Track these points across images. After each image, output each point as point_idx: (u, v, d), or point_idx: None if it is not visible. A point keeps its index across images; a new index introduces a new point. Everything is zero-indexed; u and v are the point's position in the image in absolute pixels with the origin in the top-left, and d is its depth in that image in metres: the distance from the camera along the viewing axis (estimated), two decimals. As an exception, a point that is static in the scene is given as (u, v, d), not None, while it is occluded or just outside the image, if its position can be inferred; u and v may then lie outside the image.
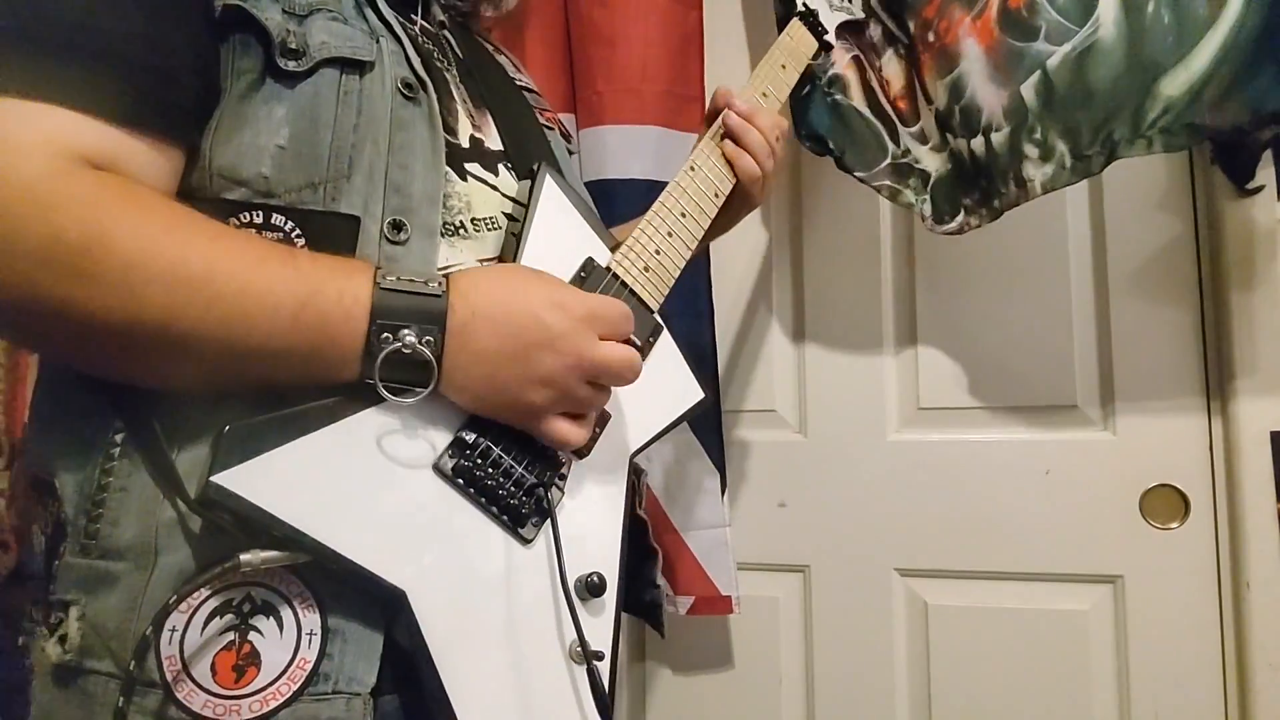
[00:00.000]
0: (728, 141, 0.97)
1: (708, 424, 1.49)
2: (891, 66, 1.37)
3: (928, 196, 1.35)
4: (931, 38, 1.29)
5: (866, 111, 1.37)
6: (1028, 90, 1.21)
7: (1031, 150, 1.21)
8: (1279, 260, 1.33)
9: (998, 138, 1.23)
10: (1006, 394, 1.50)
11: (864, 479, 1.54)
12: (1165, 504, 1.40)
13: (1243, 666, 1.33)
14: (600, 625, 0.73)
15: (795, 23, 1.14)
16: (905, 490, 1.52)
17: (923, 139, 1.36)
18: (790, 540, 1.57)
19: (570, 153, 1.04)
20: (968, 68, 1.25)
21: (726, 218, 1.01)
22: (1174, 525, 1.39)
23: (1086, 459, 1.44)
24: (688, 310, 1.46)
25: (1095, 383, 1.46)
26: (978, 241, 1.32)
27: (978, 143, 1.26)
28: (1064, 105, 1.19)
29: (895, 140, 1.37)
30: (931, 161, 1.35)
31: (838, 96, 1.38)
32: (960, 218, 1.32)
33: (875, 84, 1.38)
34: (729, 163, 0.97)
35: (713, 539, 1.47)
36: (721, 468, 1.49)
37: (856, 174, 1.37)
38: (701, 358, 1.48)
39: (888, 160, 1.36)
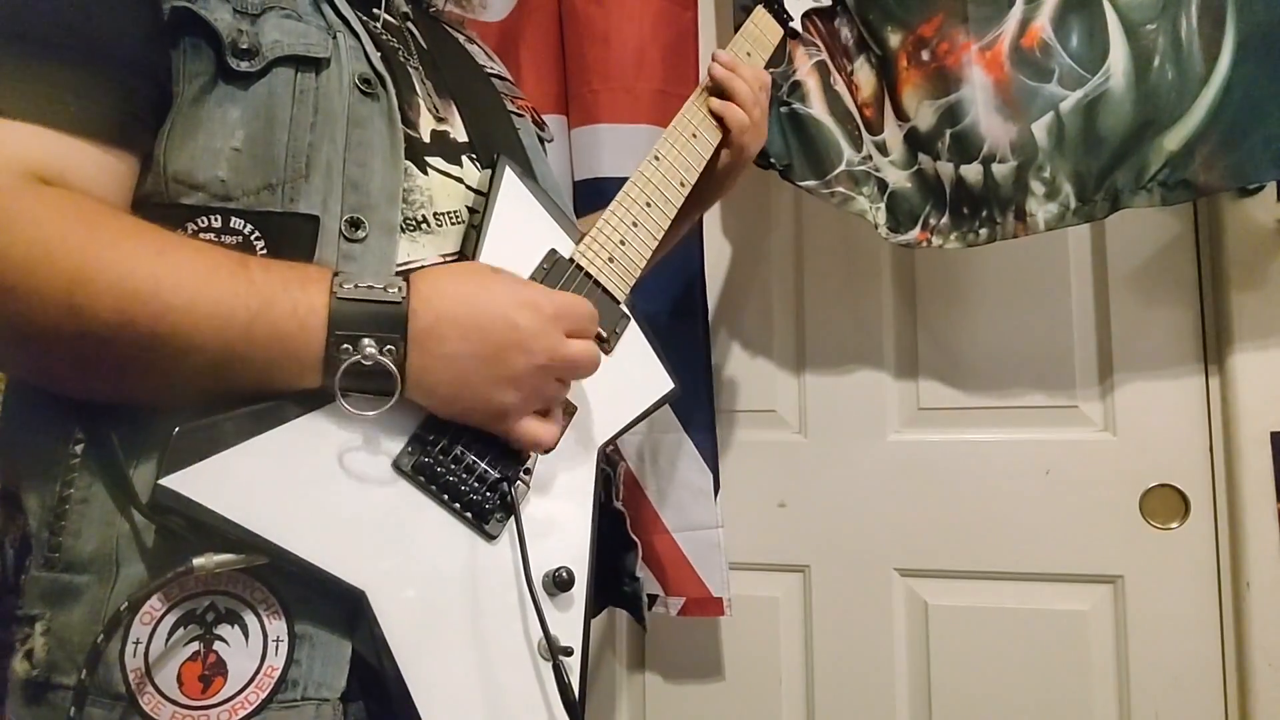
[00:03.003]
0: (713, 98, 0.98)
1: (701, 424, 1.49)
2: (863, 73, 1.37)
3: (882, 205, 1.36)
4: (926, 56, 1.30)
5: (826, 118, 1.39)
6: (1039, 129, 1.23)
7: (1038, 187, 1.24)
8: (1279, 260, 1.32)
9: (1001, 169, 1.25)
10: (1006, 394, 1.50)
11: (864, 479, 1.55)
12: (1165, 504, 1.39)
13: (1243, 666, 1.32)
14: (569, 620, 0.73)
15: (760, 10, 1.13)
16: (905, 490, 1.52)
17: (883, 150, 1.37)
18: (790, 540, 1.58)
19: (544, 141, 1.03)
20: (970, 95, 1.27)
21: (719, 180, 1.02)
22: (1174, 525, 1.39)
23: (1086, 459, 1.44)
24: (681, 309, 1.47)
25: (1095, 383, 1.45)
26: (978, 242, 1.32)
27: (972, 170, 1.27)
28: (1074, 149, 1.22)
29: (857, 145, 1.38)
30: (890, 174, 1.36)
31: (796, 105, 1.40)
32: (916, 232, 1.34)
33: (842, 86, 1.39)
34: (716, 119, 0.98)
35: (705, 540, 1.47)
36: (714, 469, 1.49)
37: (804, 184, 1.39)
38: (695, 356, 1.49)
39: (843, 166, 1.37)
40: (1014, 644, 1.45)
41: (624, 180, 1.42)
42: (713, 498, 1.48)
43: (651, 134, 1.44)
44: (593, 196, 1.41)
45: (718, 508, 1.49)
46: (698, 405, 1.48)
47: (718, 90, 0.99)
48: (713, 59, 1.00)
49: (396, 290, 0.64)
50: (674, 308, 1.45)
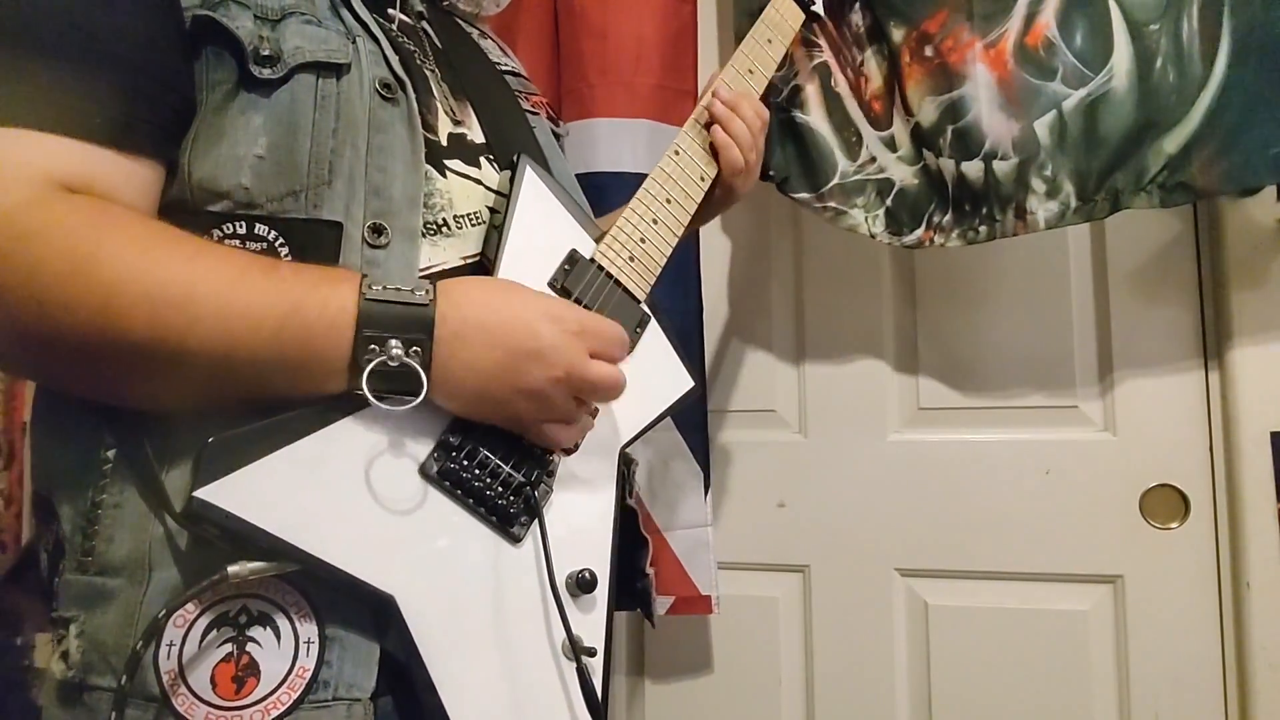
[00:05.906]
0: (715, 128, 0.96)
1: (693, 423, 1.48)
2: (873, 63, 1.37)
3: (881, 212, 1.36)
4: (929, 53, 1.30)
5: (824, 126, 1.38)
6: (1041, 127, 1.23)
7: (1039, 185, 1.24)
8: (1279, 260, 1.33)
9: (1002, 166, 1.25)
10: (1006, 394, 1.50)
11: (864, 479, 1.54)
12: (1165, 504, 1.40)
13: (1243, 666, 1.33)
14: (592, 622, 0.73)
15: None
16: (905, 490, 1.52)
17: (892, 146, 1.36)
18: (790, 540, 1.57)
19: (558, 136, 1.03)
20: (973, 92, 1.27)
21: (708, 209, 1.00)
22: (1174, 525, 1.39)
23: (1086, 459, 1.44)
24: (676, 306, 1.45)
25: (1095, 383, 1.46)
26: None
27: (973, 167, 1.27)
28: (1075, 148, 1.22)
29: (853, 154, 1.37)
30: (898, 171, 1.36)
31: (795, 113, 1.39)
32: (921, 231, 1.34)
33: (845, 85, 1.39)
34: (713, 151, 0.96)
35: (694, 539, 1.47)
36: (706, 467, 1.48)
37: (798, 197, 1.39)
38: (689, 354, 1.47)
39: (835, 180, 1.37)
40: (1014, 644, 1.45)
41: (620, 175, 1.42)
42: (703, 496, 1.47)
43: (651, 128, 1.44)
44: (588, 191, 1.39)
45: (707, 506, 1.48)
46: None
47: (718, 123, 0.97)
48: (714, 93, 0.97)
49: (424, 293, 0.65)
50: (669, 305, 1.42)
